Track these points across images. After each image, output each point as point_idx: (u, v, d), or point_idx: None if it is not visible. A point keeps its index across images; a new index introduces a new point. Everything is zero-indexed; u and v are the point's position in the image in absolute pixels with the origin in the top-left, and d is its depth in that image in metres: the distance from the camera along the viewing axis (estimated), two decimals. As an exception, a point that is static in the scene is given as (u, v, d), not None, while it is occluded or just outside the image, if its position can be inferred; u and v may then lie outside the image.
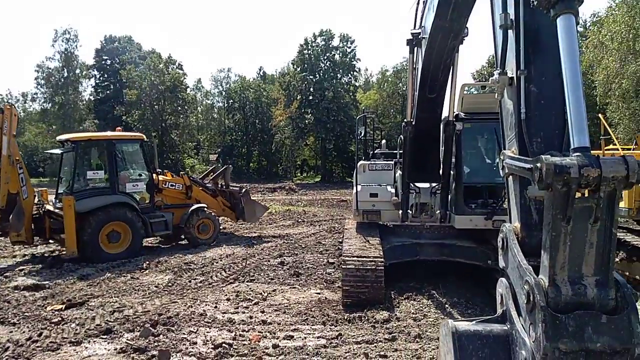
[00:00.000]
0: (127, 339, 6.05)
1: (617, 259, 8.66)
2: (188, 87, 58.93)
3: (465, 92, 8.61)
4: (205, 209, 13.17)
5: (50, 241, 12.04)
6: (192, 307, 7.51)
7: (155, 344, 5.88)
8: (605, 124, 9.77)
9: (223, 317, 7.01)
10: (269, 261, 10.88)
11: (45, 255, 11.97)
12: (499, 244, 2.92)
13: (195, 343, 5.94)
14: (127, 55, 61.65)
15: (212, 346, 5.78)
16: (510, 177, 3.08)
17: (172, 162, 49.70)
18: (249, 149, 63.53)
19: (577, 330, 2.17)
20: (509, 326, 2.67)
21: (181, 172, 16.02)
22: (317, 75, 56.46)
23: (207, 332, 6.37)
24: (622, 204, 8.65)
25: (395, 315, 6.86)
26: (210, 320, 6.80)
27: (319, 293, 8.31)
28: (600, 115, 10.55)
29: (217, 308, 7.48)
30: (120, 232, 11.37)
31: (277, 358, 5.40)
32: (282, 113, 57.67)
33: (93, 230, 10.89)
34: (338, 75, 57.58)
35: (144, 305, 7.61)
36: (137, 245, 11.65)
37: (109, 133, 13.26)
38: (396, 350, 5.57)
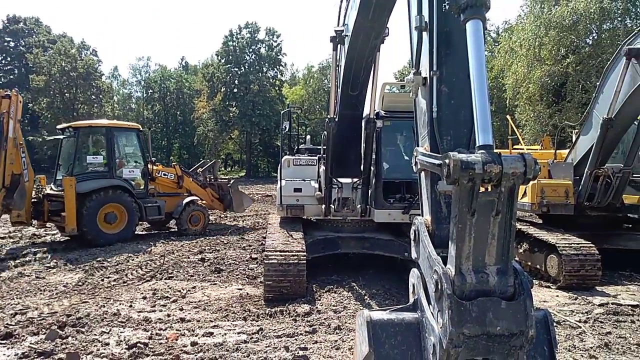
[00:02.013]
0: (31, 343, 5.61)
1: (520, 250, 9.39)
2: (103, 74, 55.78)
3: (386, 91, 8.87)
4: (198, 201, 14.07)
5: (48, 224, 12.79)
6: (104, 306, 7.12)
7: (63, 346, 5.50)
8: (513, 125, 10.54)
9: (138, 316, 6.71)
10: (188, 258, 10.58)
11: None
12: (411, 236, 3.05)
13: (107, 344, 5.63)
14: (35, 38, 56.94)
15: (126, 346, 5.50)
16: (422, 172, 3.22)
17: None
18: (170, 141, 61.38)
19: (480, 316, 2.31)
20: (419, 314, 2.81)
21: (173, 163, 17.62)
22: (243, 68, 55.70)
23: (121, 332, 6.06)
24: (525, 199, 9.38)
25: (316, 308, 6.95)
26: (124, 320, 6.48)
27: (240, 289, 8.21)
28: (508, 116, 11.33)
29: (132, 307, 7.15)
30: (116, 214, 12.17)
31: (195, 356, 5.26)
32: (205, 105, 56.27)
33: (92, 210, 11.63)
34: (264, 68, 57.17)
35: (50, 307, 7.10)
36: (132, 227, 12.56)
37: (106, 121, 14.64)
38: (316, 342, 5.64)
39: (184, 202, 13.68)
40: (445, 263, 2.51)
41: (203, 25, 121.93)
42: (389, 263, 8.77)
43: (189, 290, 8.08)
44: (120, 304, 7.26)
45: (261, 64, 56.81)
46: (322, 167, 9.22)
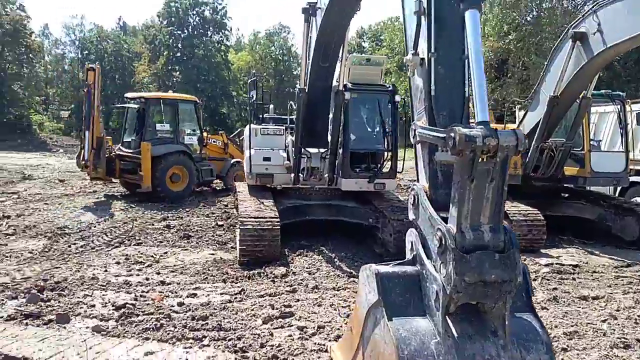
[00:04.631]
0: (14, 306, 5.62)
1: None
2: (33, 32, 51.65)
3: (352, 64, 9.15)
4: (241, 162, 14.71)
5: (114, 180, 14.80)
6: (79, 271, 7.14)
7: (49, 309, 5.57)
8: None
9: (117, 280, 6.82)
10: (152, 225, 10.60)
11: None
12: (410, 200, 3.43)
13: (93, 306, 5.74)
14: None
15: (114, 308, 5.65)
16: (419, 144, 3.62)
17: (15, 117, 43.61)
18: (107, 106, 58.43)
19: (478, 266, 2.74)
20: (419, 267, 3.23)
21: (220, 131, 19.63)
22: (186, 31, 53.63)
23: (104, 294, 6.18)
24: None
25: (292, 270, 7.34)
26: (104, 284, 6.58)
27: (212, 254, 8.44)
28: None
29: (108, 272, 7.23)
30: (180, 175, 13.91)
31: (185, 314, 5.51)
32: (147, 69, 53.94)
33: (163, 171, 13.42)
34: (208, 32, 55.30)
35: (22, 272, 7.02)
36: (191, 186, 14.27)
37: (172, 94, 16.76)
38: (298, 300, 6.05)
39: (230, 162, 15.92)
40: (445, 223, 2.93)
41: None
42: (354, 229, 9.26)
43: (161, 256, 8.21)
44: (94, 269, 7.30)
45: (205, 28, 54.95)
46: (290, 137, 9.48)
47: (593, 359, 4.72)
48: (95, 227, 10.23)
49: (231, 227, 10.41)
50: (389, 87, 9.18)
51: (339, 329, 5.09)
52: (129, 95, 15.88)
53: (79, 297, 6.02)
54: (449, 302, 2.84)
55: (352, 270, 7.50)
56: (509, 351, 2.93)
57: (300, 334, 5.00)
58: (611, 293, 6.84)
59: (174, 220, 11.12)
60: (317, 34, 7.63)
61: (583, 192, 10.89)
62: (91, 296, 6.11)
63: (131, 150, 13.89)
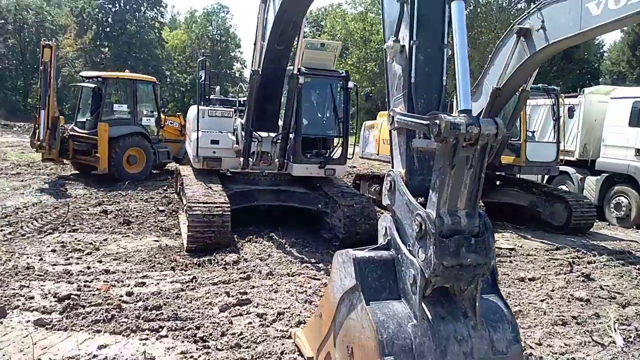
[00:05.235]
0: (-61, 301, 5.09)
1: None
2: (-62, -5, 46.61)
3: (306, 48, 9.03)
4: None
5: (65, 162, 14.16)
6: (10, 260, 6.58)
7: (-19, 302, 5.09)
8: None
9: (55, 269, 6.35)
10: (87, 210, 9.97)
11: None
12: (385, 186, 3.44)
13: (32, 298, 5.32)
14: None
15: (56, 299, 5.26)
16: (396, 131, 3.63)
17: None
18: (27, 81, 54.13)
19: (456, 250, 2.81)
20: (394, 252, 3.26)
21: (177, 113, 18.91)
22: (118, 5, 50.56)
23: (42, 285, 5.74)
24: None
25: (243, 257, 7.19)
26: (41, 273, 6.10)
27: (156, 240, 8.09)
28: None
29: (44, 260, 6.71)
30: (137, 156, 13.68)
31: (136, 304, 5.24)
32: (72, 43, 50.41)
33: (120, 153, 13.19)
34: (142, 8, 52.53)
35: (-57, 262, 6.38)
36: (149, 168, 14.05)
37: (129, 74, 15.44)
38: (253, 287, 5.95)
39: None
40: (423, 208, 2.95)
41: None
42: (303, 214, 9.23)
43: (101, 243, 7.76)
44: (28, 258, 6.77)
45: (139, 3, 52.12)
46: (239, 120, 9.22)
47: (538, 336, 5.03)
48: (22, 212, 9.47)
49: (174, 213, 10.03)
50: (342, 73, 9.15)
51: (299, 314, 5.07)
52: (84, 74, 15.54)
53: (14, 289, 5.55)
54: (425, 285, 2.89)
55: (303, 256, 7.49)
56: (479, 331, 3.04)
57: (260, 321, 4.92)
58: (545, 274, 7.33)
59: (110, 205, 10.52)
60: (276, 15, 7.43)
61: (516, 180, 11.53)
62: (28, 287, 5.66)
63: (86, 131, 13.55)
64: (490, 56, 9.93)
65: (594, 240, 9.80)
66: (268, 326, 4.80)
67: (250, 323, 4.85)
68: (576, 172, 12.30)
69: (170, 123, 16.17)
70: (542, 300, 6.16)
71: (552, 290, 6.58)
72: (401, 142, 3.54)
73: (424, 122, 2.97)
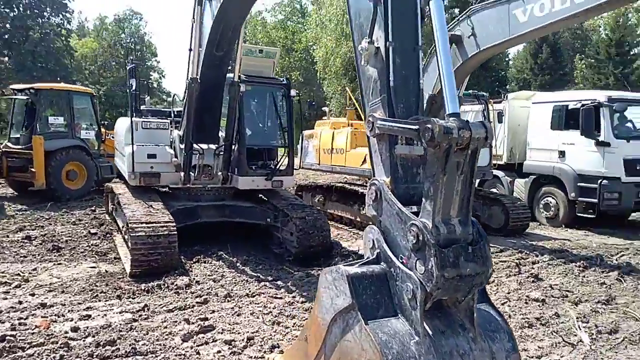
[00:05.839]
0: None
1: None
2: None
3: (244, 54, 8.76)
4: None
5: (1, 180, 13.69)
6: None
7: None
8: (351, 95, 11.48)
9: (-22, 307, 5.59)
10: (7, 236, 8.99)
11: None
12: (371, 196, 3.28)
13: (-44, 344, 4.62)
14: None
15: (-12, 344, 4.62)
16: (376, 137, 3.51)
17: None
18: None
19: (455, 260, 2.73)
20: (385, 265, 3.14)
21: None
22: (17, 10, 46.59)
23: (-34, 328, 5.01)
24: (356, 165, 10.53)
25: (194, 279, 6.75)
26: (-37, 314, 5.35)
27: (94, 267, 7.42)
28: (347, 87, 12.32)
29: (-37, 298, 5.90)
30: (77, 171, 13.20)
31: (85, 341, 4.71)
32: (-34, 52, 45.75)
33: (58, 167, 12.65)
34: (45, 13, 48.83)
35: None
36: (90, 184, 13.44)
37: (64, 85, 15.58)
38: (214, 311, 5.59)
39: None
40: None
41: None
42: (250, 230, 8.93)
43: (30, 273, 7.00)
44: (-57, 297, 5.91)
45: (42, 8, 48.37)
46: (176, 132, 8.76)
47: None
48: None
49: (108, 235, 9.31)
50: (284, 80, 9.00)
51: (270, 338, 4.82)
52: (15, 86, 14.75)
53: None
54: (426, 299, 2.81)
55: (258, 274, 7.21)
56: (479, 343, 3.00)
57: (229, 348, 4.61)
58: (497, 277, 7.55)
59: (33, 230, 9.57)
60: (214, 19, 7.10)
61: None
62: (-50, 332, 4.91)
63: (20, 146, 13.02)
64: (423, 64, 10.23)
65: (532, 241, 10.21)
66: (240, 353, 4.51)
67: (219, 352, 4.53)
68: (505, 175, 13.00)
69: (112, 137, 15.21)
70: (502, 304, 6.26)
71: (509, 293, 6.67)
72: (382, 149, 3.41)
73: (413, 127, 2.88)
